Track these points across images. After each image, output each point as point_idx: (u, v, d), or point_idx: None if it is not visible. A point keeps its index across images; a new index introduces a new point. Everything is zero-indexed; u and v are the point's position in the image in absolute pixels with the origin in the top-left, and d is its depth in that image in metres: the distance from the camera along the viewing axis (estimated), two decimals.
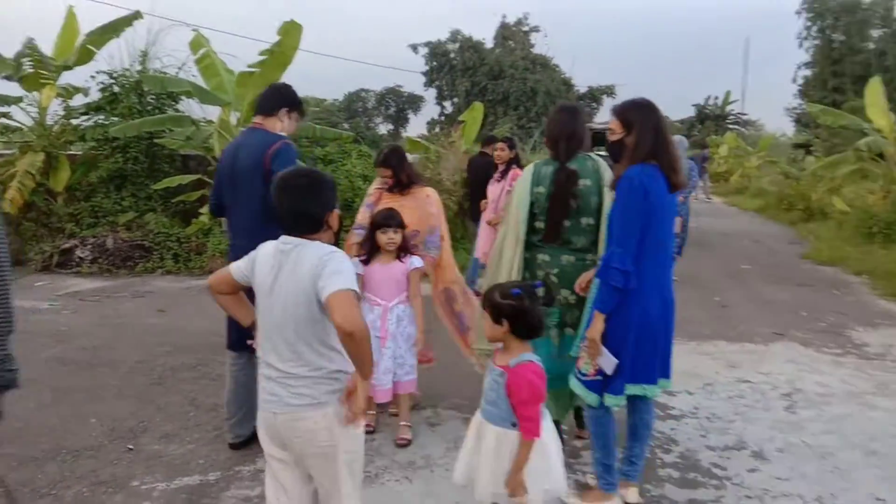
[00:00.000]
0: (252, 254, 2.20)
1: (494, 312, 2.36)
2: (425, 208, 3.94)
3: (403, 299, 3.61)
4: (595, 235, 3.27)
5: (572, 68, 44.62)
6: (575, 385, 2.97)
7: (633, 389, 2.88)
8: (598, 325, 2.79)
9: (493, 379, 2.38)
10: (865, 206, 11.57)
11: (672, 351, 3.09)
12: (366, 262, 3.63)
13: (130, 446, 3.74)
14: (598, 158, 3.41)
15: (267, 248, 2.15)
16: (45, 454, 3.62)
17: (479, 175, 7.44)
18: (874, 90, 11.39)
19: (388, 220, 3.57)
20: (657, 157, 2.82)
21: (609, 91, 44.69)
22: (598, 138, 13.38)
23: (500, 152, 6.51)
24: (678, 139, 11.14)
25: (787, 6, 32.38)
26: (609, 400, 2.88)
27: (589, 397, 2.92)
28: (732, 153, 27.07)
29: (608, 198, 3.16)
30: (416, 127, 49.43)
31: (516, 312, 2.32)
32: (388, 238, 3.55)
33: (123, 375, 4.88)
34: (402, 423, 3.77)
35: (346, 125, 46.38)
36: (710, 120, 39.18)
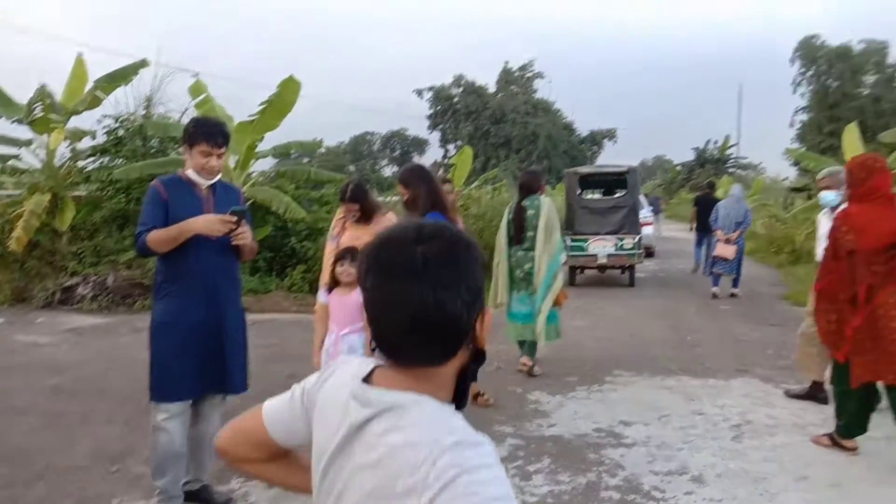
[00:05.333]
0: (306, 387, 1.21)
1: None
2: None
3: (357, 328, 3.75)
4: (534, 241, 5.69)
5: (573, 113, 45.54)
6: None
7: None
8: None
9: None
10: None
11: None
12: (329, 292, 3.85)
13: (115, 468, 4.03)
14: (543, 198, 5.83)
15: (337, 388, 1.13)
16: (34, 475, 3.92)
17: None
18: (850, 135, 11.80)
19: (345, 253, 3.77)
20: (436, 206, 3.68)
21: (610, 135, 45.59)
22: (594, 180, 14.01)
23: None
24: (736, 188, 11.69)
25: (783, 53, 33.22)
26: None
27: None
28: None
29: (542, 220, 5.66)
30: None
31: None
32: (343, 270, 3.73)
33: (114, 403, 5.18)
34: None
35: (352, 167, 47.28)
36: (710, 163, 39.76)
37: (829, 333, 4.22)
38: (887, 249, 3.91)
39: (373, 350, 1.09)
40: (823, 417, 4.95)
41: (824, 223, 5.27)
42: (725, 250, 10.51)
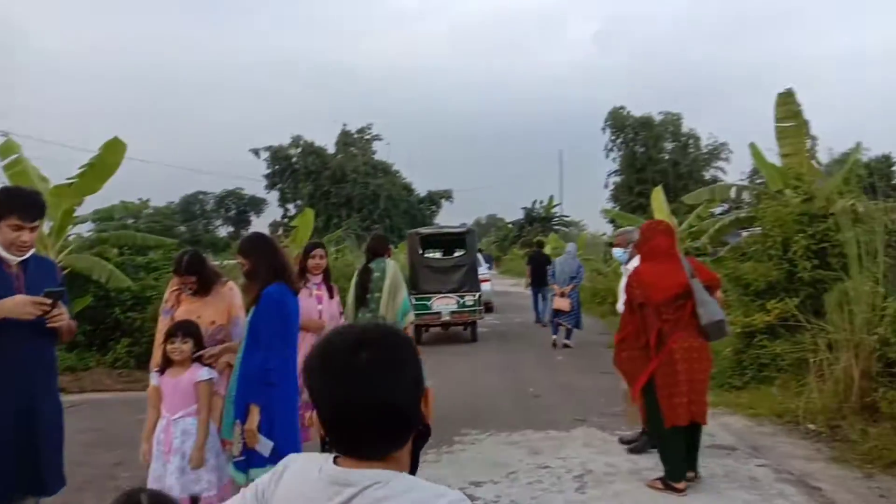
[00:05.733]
0: (259, 486, 1.24)
1: None
2: (229, 300, 4.00)
3: (191, 412, 3.47)
4: (380, 303, 5.37)
5: (411, 174, 46.89)
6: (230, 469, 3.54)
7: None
8: (254, 417, 3.33)
9: None
10: None
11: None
12: (161, 373, 3.55)
13: None
14: (389, 261, 5.70)
15: (301, 481, 1.18)
16: None
17: None
18: (657, 196, 13.19)
19: (175, 329, 3.53)
20: (279, 275, 3.53)
21: (447, 195, 47.27)
22: (435, 240, 14.40)
23: (320, 260, 5.49)
24: (570, 245, 12.67)
25: (596, 121, 37.02)
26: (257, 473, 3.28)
27: (238, 476, 3.41)
28: (554, 252, 29.35)
29: (388, 281, 5.40)
30: (258, 229, 48.75)
31: None
32: (174, 347, 3.48)
33: None
34: None
35: (182, 228, 44.80)
36: (538, 222, 42.45)
37: (631, 378, 4.68)
38: (675, 300, 4.44)
39: (327, 448, 1.18)
40: (656, 461, 5.30)
41: (623, 278, 5.83)
42: (562, 303, 11.27)
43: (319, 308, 5.03)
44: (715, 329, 4.49)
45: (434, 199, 46.70)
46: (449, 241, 14.31)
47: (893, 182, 24.50)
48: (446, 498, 1.12)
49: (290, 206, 45.10)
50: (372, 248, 5.91)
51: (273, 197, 46.13)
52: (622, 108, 36.75)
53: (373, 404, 1.11)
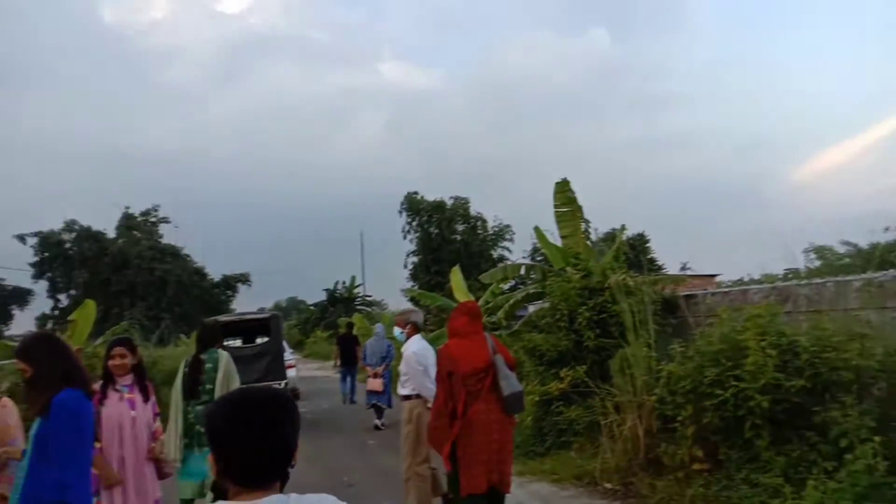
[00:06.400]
0: None
1: None
2: (2, 421, 3.55)
3: None
4: (213, 395, 5.23)
5: (203, 258, 44.33)
6: None
7: None
8: None
9: None
10: None
11: None
12: None
13: None
14: (221, 351, 5.59)
15: None
16: None
17: None
18: (456, 276, 13.90)
19: None
20: (71, 379, 3.11)
21: (244, 279, 45.41)
22: (235, 327, 13.66)
23: (121, 360, 4.55)
24: (379, 327, 12.64)
25: (393, 204, 38.37)
26: None
27: None
28: (359, 332, 29.34)
29: (221, 373, 5.35)
30: (23, 323, 42.99)
31: None
32: None
33: None
34: None
35: None
36: (341, 303, 42.25)
37: (439, 447, 4.90)
38: (478, 373, 4.81)
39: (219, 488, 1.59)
40: None
41: (403, 359, 6.28)
42: (375, 384, 11.29)
43: (133, 414, 4.43)
44: (514, 400, 4.83)
45: (230, 284, 44.57)
46: (251, 327, 13.73)
47: (650, 256, 28.19)
48: (329, 499, 1.66)
49: (62, 297, 40.39)
50: (203, 338, 5.77)
51: (41, 287, 41.05)
52: (416, 192, 38.53)
53: (280, 448, 1.59)
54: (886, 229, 12.43)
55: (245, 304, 42.97)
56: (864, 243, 11.26)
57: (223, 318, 13.06)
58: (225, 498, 1.59)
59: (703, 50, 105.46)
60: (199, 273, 43.10)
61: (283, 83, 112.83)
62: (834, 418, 5.03)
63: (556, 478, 7.17)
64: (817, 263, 11.40)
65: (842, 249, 11.74)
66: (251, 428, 1.54)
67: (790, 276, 10.03)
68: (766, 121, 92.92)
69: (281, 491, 1.62)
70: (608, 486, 6.59)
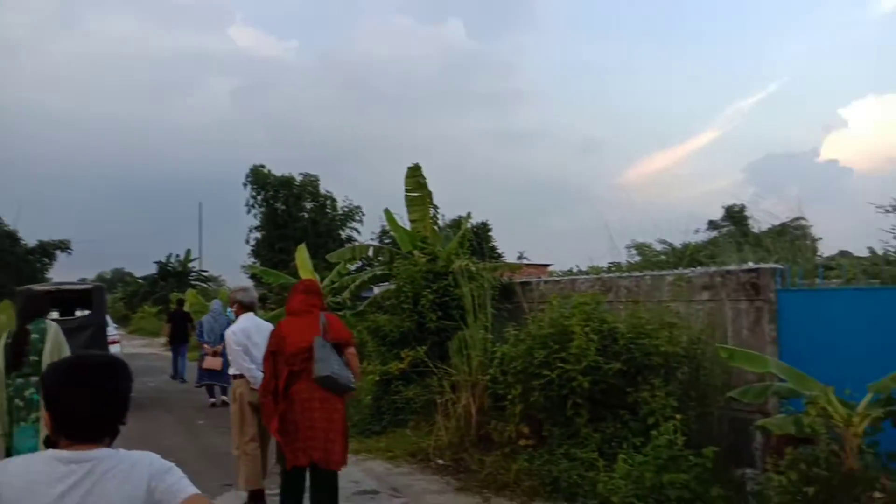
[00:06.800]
0: None
1: None
2: None
3: None
4: (39, 367, 4.95)
5: (17, 221, 39.66)
6: None
7: None
8: None
9: None
10: None
11: None
12: None
13: None
14: (49, 321, 5.42)
15: (26, 472, 1.62)
16: None
17: None
18: (301, 255, 13.63)
19: None
20: None
21: (64, 246, 41.39)
22: (53, 298, 12.42)
23: None
24: (216, 303, 11.97)
25: (237, 176, 36.49)
26: None
27: None
28: (193, 308, 27.93)
29: (49, 344, 5.15)
30: None
31: None
32: None
33: None
34: None
35: None
36: (173, 276, 39.87)
37: (268, 420, 4.94)
38: (302, 353, 4.81)
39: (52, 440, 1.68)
40: None
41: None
42: (213, 363, 10.81)
43: None
44: (326, 382, 4.73)
45: (47, 251, 40.41)
46: (71, 298, 12.58)
47: (491, 244, 29.36)
48: (150, 456, 1.71)
49: None
50: (28, 307, 5.59)
51: None
52: (262, 165, 37.15)
53: (112, 407, 1.71)
54: (697, 231, 13.88)
55: (65, 273, 39.13)
56: (678, 242, 12.50)
57: (38, 287, 11.86)
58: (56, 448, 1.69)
59: (553, 50, 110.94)
60: (12, 237, 38.67)
61: (125, 36, 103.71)
62: (644, 398, 5.60)
63: (390, 455, 7.34)
64: (637, 258, 12.49)
65: (659, 247, 12.94)
66: (85, 389, 1.67)
67: (613, 268, 10.96)
68: (606, 124, 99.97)
69: (110, 446, 1.72)
70: (440, 462, 6.86)
